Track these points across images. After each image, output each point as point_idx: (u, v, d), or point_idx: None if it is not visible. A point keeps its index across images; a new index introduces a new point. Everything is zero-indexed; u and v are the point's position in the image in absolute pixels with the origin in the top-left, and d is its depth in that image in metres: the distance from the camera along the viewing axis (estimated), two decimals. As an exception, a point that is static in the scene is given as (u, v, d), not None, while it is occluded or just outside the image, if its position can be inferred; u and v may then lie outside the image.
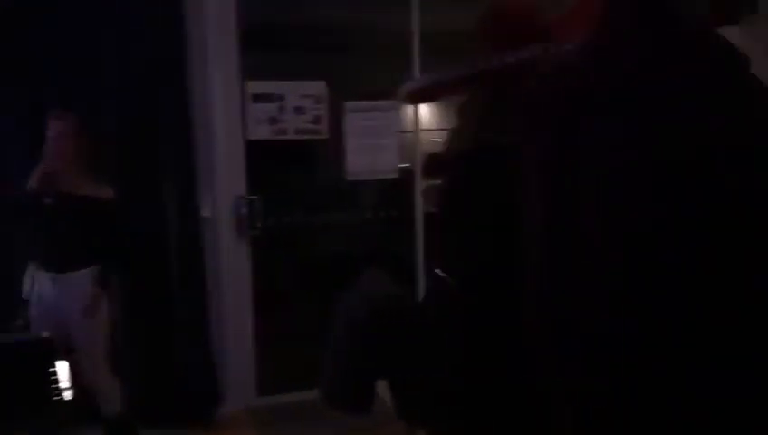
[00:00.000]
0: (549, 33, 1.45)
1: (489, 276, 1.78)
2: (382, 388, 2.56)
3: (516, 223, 1.78)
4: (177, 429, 3.34)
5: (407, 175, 3.87)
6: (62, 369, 2.01)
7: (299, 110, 3.56)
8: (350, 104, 3.70)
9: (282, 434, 3.36)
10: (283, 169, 3.78)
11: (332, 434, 3.30)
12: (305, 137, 3.61)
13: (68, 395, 2.19)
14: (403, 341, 2.50)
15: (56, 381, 1.96)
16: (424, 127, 4.86)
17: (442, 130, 4.86)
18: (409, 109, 3.85)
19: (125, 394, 3.06)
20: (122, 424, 3.03)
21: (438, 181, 1.90)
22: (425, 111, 5.19)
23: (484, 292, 1.81)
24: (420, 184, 3.86)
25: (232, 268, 3.55)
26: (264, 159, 3.60)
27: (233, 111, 3.48)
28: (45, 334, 2.01)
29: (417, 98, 1.91)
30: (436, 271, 1.86)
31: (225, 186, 3.49)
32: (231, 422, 3.49)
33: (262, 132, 3.53)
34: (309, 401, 3.57)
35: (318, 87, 3.61)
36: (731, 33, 0.98)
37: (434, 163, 1.96)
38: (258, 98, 3.52)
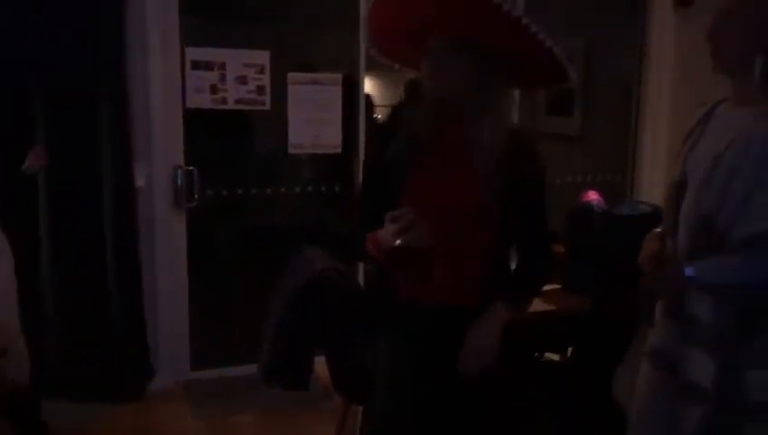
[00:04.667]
0: None
1: None
2: (319, 366, 2.56)
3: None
4: (107, 403, 3.26)
5: (349, 151, 3.84)
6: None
7: (241, 79, 3.48)
8: (293, 75, 3.62)
9: (216, 410, 3.31)
10: (223, 139, 3.69)
11: (267, 409, 3.29)
12: (247, 107, 3.52)
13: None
14: (344, 313, 2.51)
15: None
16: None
17: (385, 106, 4.85)
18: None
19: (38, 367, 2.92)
20: (28, 398, 2.90)
21: None
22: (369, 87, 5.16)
23: None
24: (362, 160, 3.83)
25: (167, 240, 3.46)
26: (203, 128, 3.50)
27: (172, 77, 3.36)
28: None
29: None
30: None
31: (162, 155, 3.38)
32: (164, 397, 3.42)
33: (201, 101, 3.43)
34: (244, 377, 3.55)
35: (261, 56, 3.52)
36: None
37: None
38: (198, 65, 3.41)
